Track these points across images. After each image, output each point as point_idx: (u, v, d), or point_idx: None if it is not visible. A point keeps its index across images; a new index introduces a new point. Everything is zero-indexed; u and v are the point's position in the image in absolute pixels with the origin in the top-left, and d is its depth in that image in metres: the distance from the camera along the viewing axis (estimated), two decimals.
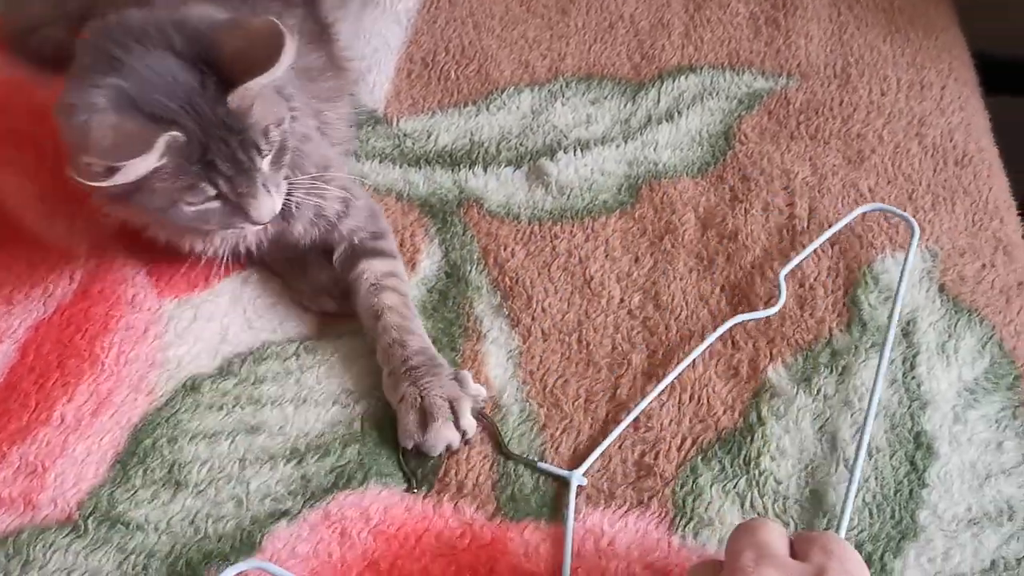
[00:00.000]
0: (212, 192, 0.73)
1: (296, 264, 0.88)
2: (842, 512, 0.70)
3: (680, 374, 0.82)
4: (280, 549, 0.71)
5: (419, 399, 0.76)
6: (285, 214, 0.82)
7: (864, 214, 0.93)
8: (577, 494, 0.73)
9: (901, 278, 0.85)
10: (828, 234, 0.90)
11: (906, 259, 0.87)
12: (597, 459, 0.76)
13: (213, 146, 0.71)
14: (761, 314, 0.78)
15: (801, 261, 0.87)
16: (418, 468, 0.76)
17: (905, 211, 0.93)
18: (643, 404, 0.78)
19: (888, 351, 0.79)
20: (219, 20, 0.75)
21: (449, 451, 0.76)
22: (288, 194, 0.79)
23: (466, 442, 0.77)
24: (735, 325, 0.85)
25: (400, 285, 0.85)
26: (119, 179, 0.67)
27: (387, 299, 0.82)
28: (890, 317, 0.82)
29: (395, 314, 0.81)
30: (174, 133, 0.69)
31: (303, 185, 0.80)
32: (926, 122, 1.04)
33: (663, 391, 0.80)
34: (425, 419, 0.75)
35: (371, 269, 0.85)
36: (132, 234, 0.91)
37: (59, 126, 0.73)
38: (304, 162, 0.82)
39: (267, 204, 0.75)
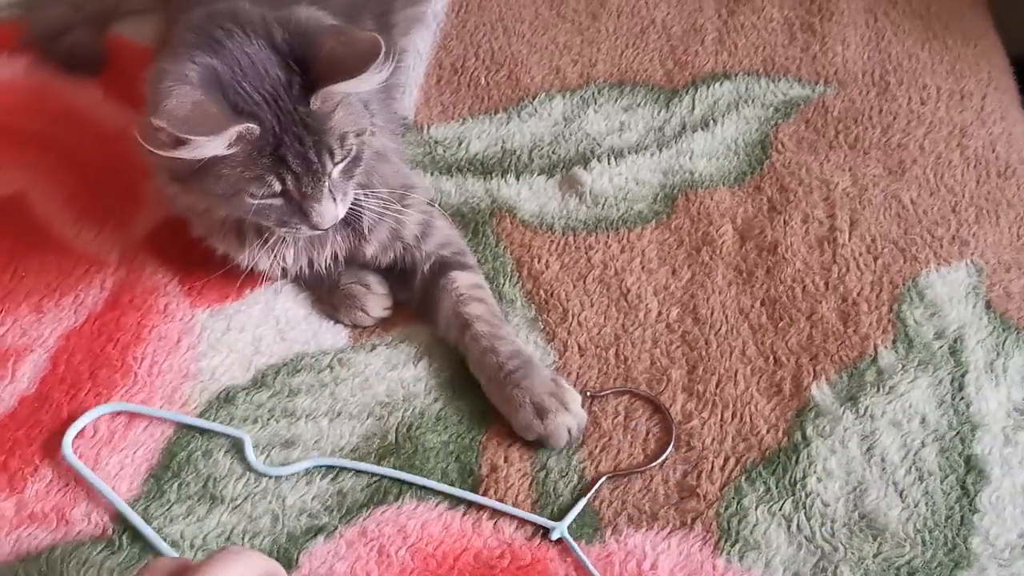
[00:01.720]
0: (277, 187, 0.72)
1: (324, 279, 0.86)
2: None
3: (721, 389, 0.80)
4: (317, 567, 0.69)
5: (527, 397, 0.76)
6: (357, 233, 0.82)
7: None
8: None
9: None
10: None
11: None
12: (638, 481, 0.74)
13: (288, 141, 0.70)
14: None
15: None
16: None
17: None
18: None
19: None
20: (325, 24, 0.75)
21: (570, 442, 0.76)
22: (358, 208, 0.78)
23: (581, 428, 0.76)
24: (775, 340, 0.83)
25: (486, 296, 0.84)
26: (183, 153, 0.67)
27: (474, 309, 0.82)
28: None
29: (483, 323, 0.81)
30: (249, 125, 0.69)
31: (376, 204, 0.80)
32: (967, 132, 1.02)
33: (704, 408, 0.79)
34: (540, 412, 0.76)
35: (458, 281, 0.84)
36: (163, 241, 0.91)
37: (146, 89, 0.73)
38: (376, 180, 0.82)
39: (330, 210, 0.74)
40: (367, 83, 0.71)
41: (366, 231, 0.82)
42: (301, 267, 0.83)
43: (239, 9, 0.75)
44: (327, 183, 0.73)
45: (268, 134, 0.70)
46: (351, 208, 0.77)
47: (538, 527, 0.72)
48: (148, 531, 0.70)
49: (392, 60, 0.75)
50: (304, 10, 0.76)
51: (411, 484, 0.74)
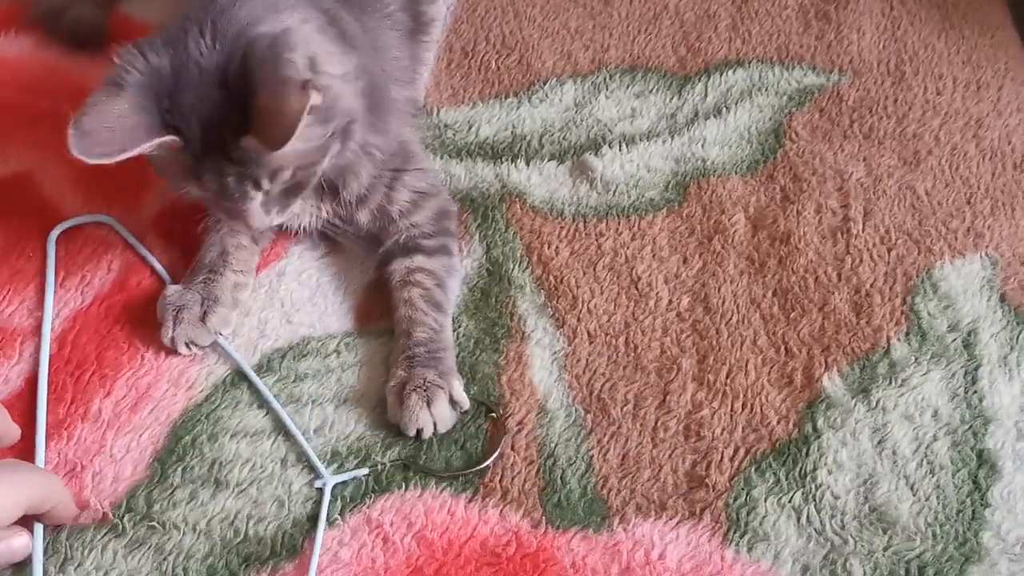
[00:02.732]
0: (198, 193, 0.73)
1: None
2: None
3: (731, 379, 0.79)
4: (322, 554, 0.69)
5: (403, 382, 0.76)
6: (345, 204, 0.82)
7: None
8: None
9: None
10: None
11: None
12: (646, 470, 0.74)
13: (207, 166, 0.70)
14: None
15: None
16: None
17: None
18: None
19: None
20: (278, 66, 0.68)
21: (419, 436, 0.75)
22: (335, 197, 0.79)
23: (436, 434, 0.75)
24: (787, 330, 0.82)
25: (425, 280, 0.82)
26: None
27: (405, 294, 0.81)
28: None
29: (409, 307, 0.81)
30: (172, 138, 0.69)
31: (368, 181, 0.81)
32: (983, 123, 1.01)
33: (714, 398, 0.78)
34: (402, 397, 0.75)
35: (403, 265, 0.84)
36: (171, 224, 0.90)
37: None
38: (361, 170, 0.81)
39: (258, 219, 0.74)
40: (288, 152, 0.68)
41: (354, 203, 0.82)
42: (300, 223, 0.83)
43: (229, 10, 0.72)
44: (253, 202, 0.73)
45: (189, 151, 0.70)
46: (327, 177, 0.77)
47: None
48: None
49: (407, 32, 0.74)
50: (291, 33, 0.70)
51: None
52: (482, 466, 0.74)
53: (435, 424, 0.75)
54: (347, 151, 0.77)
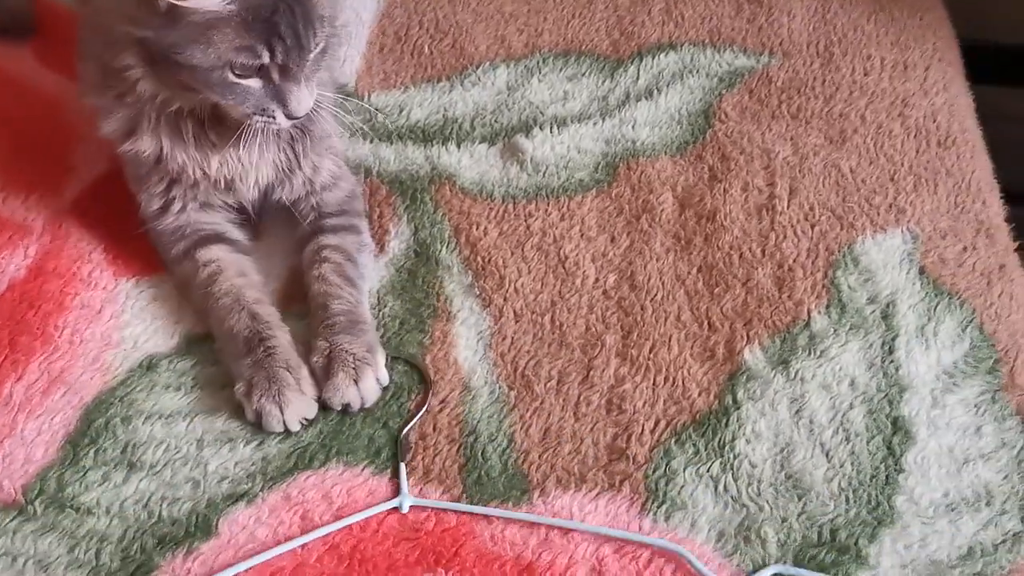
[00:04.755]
0: (266, 57, 0.71)
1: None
2: None
3: (655, 354, 0.80)
4: (238, 533, 0.68)
5: (327, 353, 0.75)
6: (296, 153, 0.82)
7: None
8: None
9: None
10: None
11: None
12: (568, 444, 0.74)
13: (283, 8, 0.70)
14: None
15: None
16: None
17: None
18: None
19: None
20: None
21: (346, 410, 0.74)
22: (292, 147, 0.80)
23: (363, 408, 0.75)
24: (710, 306, 0.83)
25: (335, 255, 0.82)
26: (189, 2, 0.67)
27: (316, 271, 0.81)
28: None
29: (322, 282, 0.80)
30: None
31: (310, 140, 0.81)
32: (909, 103, 1.02)
33: (637, 372, 0.78)
34: (328, 372, 0.74)
35: (313, 246, 0.84)
36: (90, 209, 0.89)
37: None
38: (324, 113, 0.82)
39: (305, 96, 0.74)
40: None
41: (303, 152, 0.82)
42: (225, 177, 0.81)
43: None
44: (307, 63, 0.73)
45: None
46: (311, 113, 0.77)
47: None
48: None
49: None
50: None
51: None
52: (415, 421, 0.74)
53: (362, 400, 0.75)
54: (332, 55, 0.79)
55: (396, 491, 0.71)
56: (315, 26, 0.73)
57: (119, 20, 0.72)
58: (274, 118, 0.74)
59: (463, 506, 0.70)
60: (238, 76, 0.72)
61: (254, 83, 0.73)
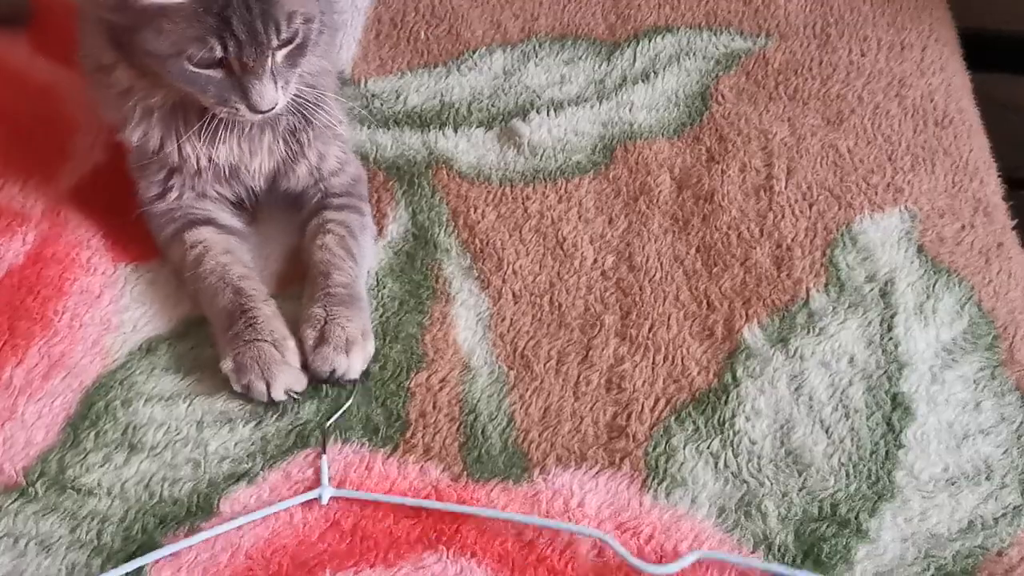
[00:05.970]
0: (219, 51, 0.70)
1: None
2: None
3: (654, 333, 0.80)
4: (239, 512, 0.68)
5: (322, 321, 0.75)
6: (299, 143, 0.82)
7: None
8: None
9: None
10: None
11: None
12: (568, 422, 0.74)
13: (235, 3, 0.69)
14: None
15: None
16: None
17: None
18: None
19: None
20: None
21: (332, 379, 0.74)
22: (304, 102, 0.77)
23: (349, 381, 0.75)
24: (709, 285, 0.83)
25: (338, 228, 0.83)
26: None
27: (319, 240, 0.82)
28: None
29: (326, 252, 0.80)
30: None
31: (323, 111, 0.80)
32: (906, 83, 1.02)
33: (636, 351, 0.78)
34: (320, 340, 0.74)
35: (317, 221, 0.84)
36: (88, 195, 0.89)
37: None
38: (324, 105, 0.81)
39: (270, 91, 0.72)
40: None
41: (307, 142, 0.82)
42: (227, 166, 0.81)
43: None
44: (270, 62, 0.72)
45: None
46: (298, 102, 0.76)
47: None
48: None
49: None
50: None
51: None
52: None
53: (347, 370, 0.75)
54: (318, 48, 0.78)
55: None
56: (277, 22, 0.70)
57: (92, 3, 0.72)
58: (237, 110, 0.73)
59: (382, 496, 0.68)
60: (196, 66, 0.70)
61: (215, 73, 0.71)
